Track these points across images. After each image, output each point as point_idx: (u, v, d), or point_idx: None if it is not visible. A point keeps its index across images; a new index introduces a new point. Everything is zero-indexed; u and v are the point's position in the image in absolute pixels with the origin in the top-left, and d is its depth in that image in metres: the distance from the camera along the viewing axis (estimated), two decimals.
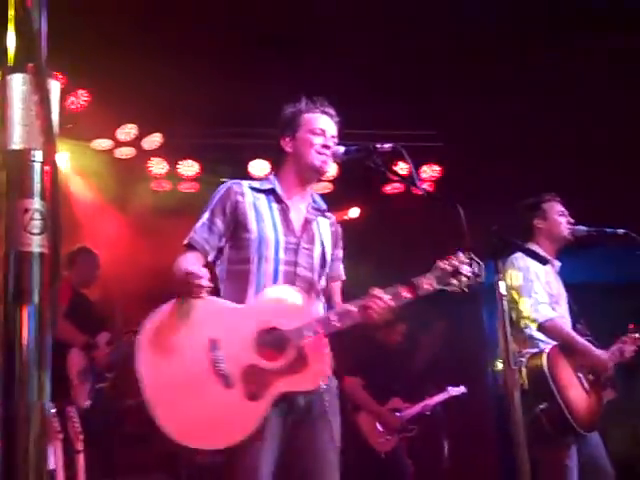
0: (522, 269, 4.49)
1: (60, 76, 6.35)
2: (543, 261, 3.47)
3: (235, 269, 3.16)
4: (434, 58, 6.09)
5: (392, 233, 8.08)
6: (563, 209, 4.72)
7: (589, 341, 4.53)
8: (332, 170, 7.68)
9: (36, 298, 1.40)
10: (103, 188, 7.38)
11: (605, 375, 4.50)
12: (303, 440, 3.08)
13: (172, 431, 2.81)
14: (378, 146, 3.18)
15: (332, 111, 3.37)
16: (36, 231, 1.42)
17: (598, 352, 4.48)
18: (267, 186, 3.30)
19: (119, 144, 7.18)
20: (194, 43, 5.87)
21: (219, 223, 3.17)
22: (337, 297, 3.44)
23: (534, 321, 4.38)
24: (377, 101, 6.55)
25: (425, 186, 6.51)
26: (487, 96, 6.43)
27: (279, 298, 3.07)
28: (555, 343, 4.38)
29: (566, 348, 4.40)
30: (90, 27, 5.50)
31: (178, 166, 7.54)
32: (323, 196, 8.11)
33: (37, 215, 1.42)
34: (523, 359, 4.35)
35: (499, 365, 4.44)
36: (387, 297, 3.05)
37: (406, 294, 3.09)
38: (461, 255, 3.13)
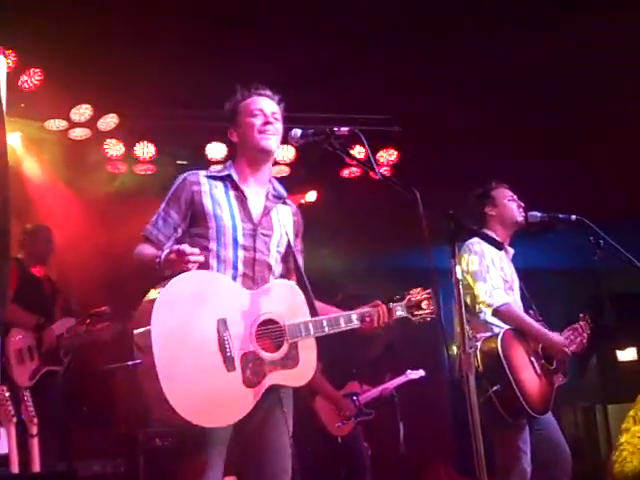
0: (478, 254, 4.54)
1: (12, 54, 6.24)
2: (499, 246, 3.50)
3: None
4: (391, 41, 6.09)
5: (349, 217, 8.10)
6: (512, 194, 4.77)
7: (542, 326, 4.60)
8: (289, 153, 7.68)
9: None
10: (58, 170, 7.27)
11: (560, 358, 4.56)
12: (262, 427, 3.16)
13: (178, 405, 2.74)
14: (336, 129, 3.17)
15: (268, 92, 3.44)
16: None
17: (554, 335, 4.55)
18: (224, 172, 3.34)
19: (73, 125, 7.07)
20: (151, 22, 5.79)
21: (174, 214, 3.22)
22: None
23: (489, 306, 4.44)
24: (334, 85, 6.54)
25: (382, 170, 6.51)
26: (444, 80, 6.46)
27: (283, 292, 3.18)
28: (509, 327, 4.44)
29: (520, 332, 4.46)
30: (44, 4, 5.40)
31: (134, 148, 7.45)
32: (280, 179, 8.11)
33: None
34: (478, 343, 4.40)
35: (454, 349, 4.50)
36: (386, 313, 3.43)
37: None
38: (425, 292, 3.58)
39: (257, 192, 3.35)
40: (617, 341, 8.70)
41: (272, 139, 3.32)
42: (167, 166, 7.62)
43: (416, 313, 3.55)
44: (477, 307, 4.51)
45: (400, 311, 3.50)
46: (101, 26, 5.63)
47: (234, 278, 3.15)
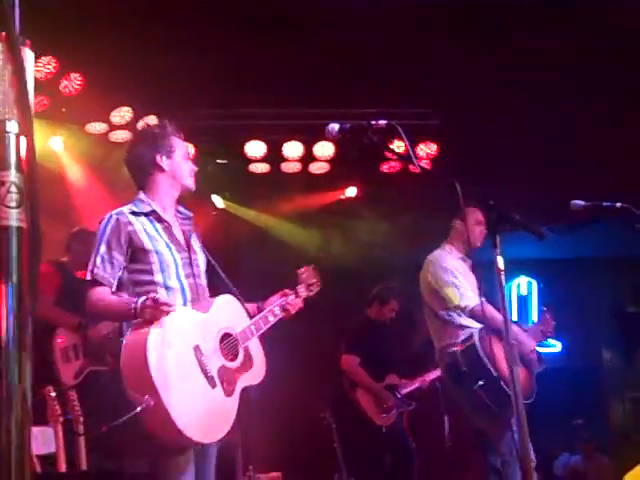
0: (439, 264, 4.83)
1: (53, 60, 6.33)
2: (541, 236, 3.45)
3: (145, 291, 3.31)
4: (429, 35, 6.06)
5: (389, 212, 8.08)
6: (482, 219, 4.84)
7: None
8: (328, 150, 7.67)
9: (15, 276, 1.34)
10: (99, 172, 7.35)
11: (528, 355, 4.69)
12: None
13: (189, 431, 3.05)
14: (373, 123, 3.15)
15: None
16: (13, 204, 1.36)
17: (522, 334, 4.69)
18: (147, 208, 3.50)
19: (114, 127, 7.14)
20: (188, 24, 5.83)
21: (118, 256, 3.38)
22: None
23: (464, 308, 4.66)
24: (372, 79, 6.52)
25: (422, 164, 6.48)
26: (484, 72, 6.40)
27: (227, 306, 3.51)
28: (481, 326, 4.59)
29: (495, 330, 4.50)
30: (83, 10, 5.46)
31: None
32: (320, 176, 8.08)
33: (13, 188, 1.36)
34: (456, 347, 4.63)
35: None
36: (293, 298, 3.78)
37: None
38: (304, 269, 3.94)
39: (173, 220, 3.58)
40: None
41: (193, 181, 3.64)
42: (207, 165, 7.67)
43: (311, 289, 3.92)
44: (449, 313, 4.75)
45: (303, 291, 3.86)
46: (139, 29, 5.69)
47: (184, 304, 3.40)
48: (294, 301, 3.76)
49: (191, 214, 3.70)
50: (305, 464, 7.37)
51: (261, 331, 3.55)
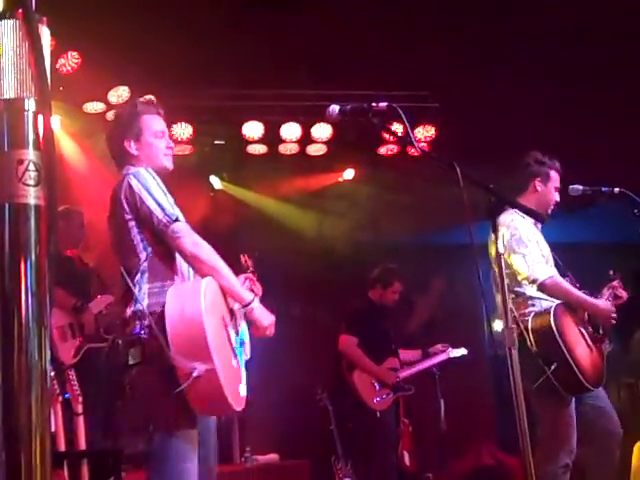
0: (512, 230, 4.47)
1: (50, 38, 6.28)
2: (541, 218, 3.45)
3: (162, 250, 3.25)
4: (427, 17, 6.04)
5: (387, 194, 8.08)
6: (559, 184, 4.71)
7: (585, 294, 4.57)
8: (326, 132, 7.65)
9: (34, 252, 1.35)
10: (96, 152, 7.32)
11: (608, 324, 4.52)
12: None
13: (230, 396, 3.01)
14: (373, 105, 3.14)
15: (162, 111, 3.54)
16: (31, 182, 1.36)
17: (600, 303, 4.51)
18: None
19: (111, 107, 7.11)
20: (186, 3, 5.80)
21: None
22: None
23: (534, 281, 4.36)
24: (370, 62, 6.50)
25: (420, 146, 6.47)
26: (481, 56, 6.38)
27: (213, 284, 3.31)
28: (557, 301, 4.38)
29: (568, 305, 4.41)
30: None
31: (172, 128, 7.47)
32: (317, 158, 8.07)
33: (32, 166, 1.37)
34: (528, 319, 4.32)
35: (496, 324, 4.44)
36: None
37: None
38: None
39: None
40: None
41: (171, 160, 3.48)
42: (204, 146, 7.65)
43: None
44: (519, 283, 4.42)
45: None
46: (137, 8, 5.65)
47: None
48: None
49: None
50: (302, 446, 7.39)
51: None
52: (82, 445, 4.34)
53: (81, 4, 5.55)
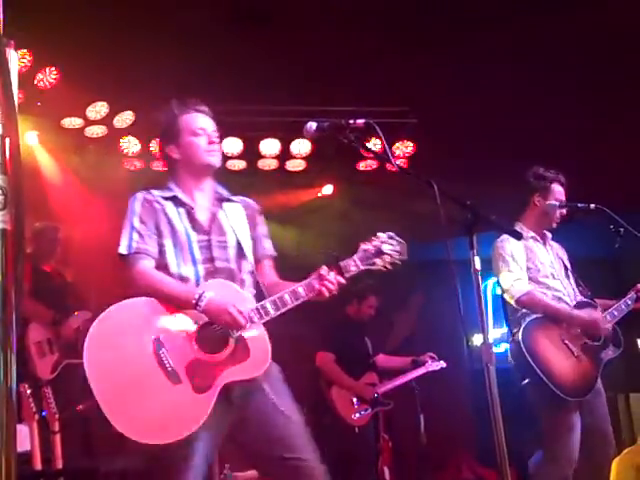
0: (499, 250, 4.55)
1: (28, 53, 6.26)
2: (517, 236, 3.47)
3: None
4: (406, 33, 6.07)
5: (365, 210, 8.09)
6: (564, 199, 4.74)
7: (582, 301, 4.59)
8: (305, 147, 7.67)
9: (0, 277, 1.34)
10: (74, 167, 7.30)
11: (600, 334, 4.52)
12: (259, 422, 3.15)
13: (125, 429, 2.86)
14: (351, 122, 3.15)
15: (204, 107, 3.45)
16: None
17: (582, 313, 4.52)
18: (169, 194, 3.34)
19: (90, 122, 7.09)
20: (167, 19, 5.80)
21: (153, 230, 3.22)
22: (271, 276, 3.50)
23: (511, 297, 4.47)
24: (350, 77, 6.52)
25: (398, 162, 6.50)
26: (460, 71, 6.42)
27: (217, 290, 3.13)
28: (535, 316, 4.42)
29: (549, 318, 4.44)
30: (59, 3, 5.41)
31: (151, 144, 7.47)
32: (296, 173, 8.06)
33: None
34: (514, 334, 4.45)
35: (475, 340, 4.51)
36: (333, 277, 3.23)
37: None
38: (383, 236, 3.40)
39: (203, 203, 3.38)
40: (638, 329, 8.63)
41: (217, 156, 3.38)
42: None
43: (376, 261, 3.39)
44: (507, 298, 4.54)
45: (353, 266, 3.33)
46: (116, 23, 5.64)
47: None
48: (329, 279, 3.23)
49: (225, 193, 3.46)
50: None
51: (268, 317, 3.15)
52: (59, 464, 4.29)
53: (60, 20, 5.54)
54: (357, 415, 6.47)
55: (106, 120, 7.11)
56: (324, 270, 3.22)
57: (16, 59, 1.45)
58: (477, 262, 2.95)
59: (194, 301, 3.03)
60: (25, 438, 4.13)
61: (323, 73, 6.36)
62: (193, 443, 2.96)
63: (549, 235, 4.81)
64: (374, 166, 8.01)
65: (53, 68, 6.48)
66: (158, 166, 7.65)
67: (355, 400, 6.48)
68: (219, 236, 3.31)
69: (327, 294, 3.21)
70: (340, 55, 6.22)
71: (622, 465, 4.10)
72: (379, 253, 3.37)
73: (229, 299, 3.09)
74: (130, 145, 7.41)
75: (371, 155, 7.43)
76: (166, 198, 3.33)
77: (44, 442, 4.24)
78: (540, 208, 4.72)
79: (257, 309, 3.14)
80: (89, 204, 7.32)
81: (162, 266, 3.19)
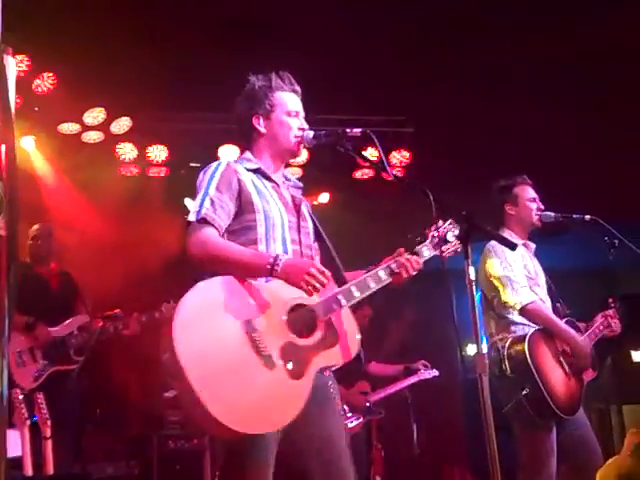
0: (499, 256, 4.52)
1: (26, 59, 6.27)
2: (512, 247, 3.47)
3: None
4: (404, 43, 6.08)
5: (361, 219, 8.10)
6: (534, 195, 4.74)
7: (570, 320, 4.57)
8: (302, 155, 7.67)
9: None
10: (71, 173, 7.30)
11: (583, 361, 4.51)
12: (322, 419, 3.02)
13: (225, 417, 2.58)
14: (348, 131, 3.15)
15: (299, 88, 3.32)
16: None
17: (577, 338, 4.50)
18: (253, 165, 3.15)
19: (87, 128, 7.10)
20: (164, 26, 5.81)
21: (228, 201, 2.99)
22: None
23: (515, 304, 4.42)
24: (347, 86, 6.54)
25: (395, 172, 6.50)
26: (456, 81, 6.44)
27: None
28: (536, 327, 4.42)
29: (548, 331, 4.43)
30: (57, 9, 5.42)
31: (147, 151, 7.47)
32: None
33: None
34: (505, 344, 4.38)
35: (469, 349, 4.48)
36: (414, 258, 3.16)
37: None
38: (443, 223, 3.33)
39: (281, 181, 3.23)
40: (632, 341, 8.64)
41: (299, 144, 3.21)
42: (180, 169, 7.63)
43: (444, 248, 3.29)
44: (504, 309, 4.48)
45: (427, 251, 3.25)
46: (113, 30, 5.65)
47: None
48: (411, 260, 3.14)
49: (301, 184, 3.32)
50: (275, 470, 7.32)
51: (354, 300, 2.99)
52: (50, 470, 4.28)
53: (57, 25, 5.55)
54: (349, 423, 6.46)
55: (103, 126, 7.11)
56: (402, 253, 3.17)
57: (14, 65, 1.44)
58: (472, 272, 2.94)
59: (269, 266, 2.80)
60: (16, 444, 4.12)
61: (320, 82, 6.37)
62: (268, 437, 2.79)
63: (533, 246, 4.80)
64: (370, 174, 8.01)
65: (51, 74, 6.50)
66: (154, 172, 7.66)
67: (347, 409, 6.47)
68: (304, 221, 3.19)
69: (405, 275, 3.11)
70: (338, 65, 6.24)
71: (606, 476, 4.09)
72: (445, 241, 3.32)
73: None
74: (126, 151, 7.41)
75: (367, 164, 7.43)
76: (250, 170, 3.13)
77: (35, 448, 4.23)
78: (516, 215, 4.72)
79: (343, 291, 2.98)
80: (85, 209, 7.32)
81: (250, 241, 2.97)
